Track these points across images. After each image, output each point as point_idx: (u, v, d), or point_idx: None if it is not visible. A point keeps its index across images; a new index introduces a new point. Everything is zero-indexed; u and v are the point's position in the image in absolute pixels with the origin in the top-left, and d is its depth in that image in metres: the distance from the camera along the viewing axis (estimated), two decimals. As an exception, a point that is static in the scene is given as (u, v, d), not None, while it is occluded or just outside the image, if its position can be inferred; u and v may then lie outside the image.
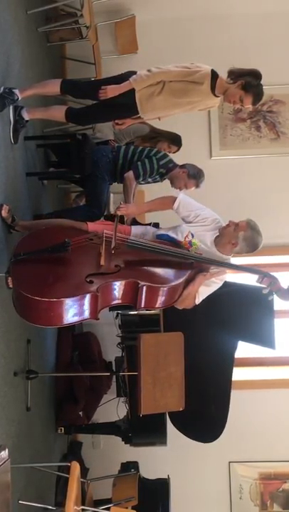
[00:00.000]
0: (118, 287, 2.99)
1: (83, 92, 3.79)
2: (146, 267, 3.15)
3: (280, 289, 3.23)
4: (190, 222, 3.46)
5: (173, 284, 3.11)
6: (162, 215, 3.81)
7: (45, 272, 2.93)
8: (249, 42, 5.79)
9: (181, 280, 3.15)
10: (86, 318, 2.94)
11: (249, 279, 4.28)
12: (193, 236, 3.36)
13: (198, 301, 3.28)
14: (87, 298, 2.84)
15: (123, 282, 2.98)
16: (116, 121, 3.84)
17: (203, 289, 3.28)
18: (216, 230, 3.39)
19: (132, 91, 3.52)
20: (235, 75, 3.45)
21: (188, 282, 3.21)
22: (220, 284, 3.36)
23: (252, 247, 3.31)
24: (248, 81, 3.42)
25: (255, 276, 3.26)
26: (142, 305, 3.07)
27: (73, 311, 2.85)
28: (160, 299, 3.12)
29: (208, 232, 3.40)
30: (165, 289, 3.08)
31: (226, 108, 5.74)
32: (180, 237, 3.39)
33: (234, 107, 3.62)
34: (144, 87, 3.51)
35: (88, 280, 2.89)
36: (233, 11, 5.80)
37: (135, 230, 3.51)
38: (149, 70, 3.52)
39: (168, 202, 3.52)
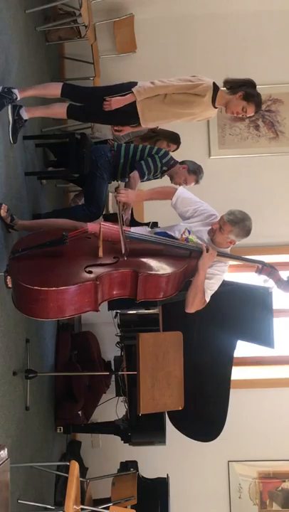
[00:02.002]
0: (117, 277, 3.00)
1: (83, 98, 3.80)
2: (144, 258, 3.17)
3: (280, 280, 3.25)
4: (188, 218, 3.47)
5: (171, 272, 3.12)
6: (161, 213, 3.80)
7: (44, 264, 2.95)
8: (248, 41, 5.79)
9: (180, 269, 3.15)
10: (87, 310, 2.94)
11: (248, 279, 4.29)
12: (190, 233, 3.38)
13: (207, 297, 3.29)
14: (87, 287, 2.85)
15: (122, 272, 2.99)
16: (115, 128, 3.89)
17: (208, 284, 3.27)
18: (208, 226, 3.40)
19: (134, 101, 3.56)
20: (230, 84, 3.54)
21: (188, 276, 3.21)
22: (222, 275, 3.36)
23: (246, 235, 3.33)
24: (248, 91, 3.50)
25: (254, 267, 3.28)
26: (142, 296, 3.08)
27: (73, 301, 2.85)
28: (159, 289, 3.13)
29: (204, 227, 3.42)
30: (164, 278, 3.09)
31: (225, 107, 5.75)
32: (177, 235, 3.42)
33: (236, 116, 3.67)
34: (146, 97, 3.55)
35: (87, 270, 2.90)
36: (232, 10, 5.81)
37: (134, 230, 3.52)
38: (152, 83, 3.57)
39: (168, 192, 3.54)
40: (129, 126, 3.85)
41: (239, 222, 3.27)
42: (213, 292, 3.32)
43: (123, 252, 2.98)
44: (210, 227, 3.39)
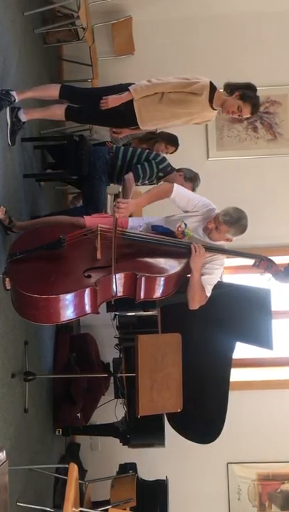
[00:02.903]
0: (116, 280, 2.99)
1: (82, 99, 3.80)
2: (143, 258, 3.16)
3: (278, 272, 3.24)
4: (187, 212, 3.46)
5: (170, 273, 3.11)
6: (160, 208, 3.75)
7: (43, 269, 2.93)
8: (246, 43, 5.80)
9: (178, 269, 3.15)
10: (87, 313, 2.94)
11: (248, 280, 4.29)
12: (186, 226, 3.37)
13: (208, 292, 3.28)
14: (87, 292, 2.85)
15: (121, 275, 2.98)
16: (113, 130, 3.88)
17: (208, 279, 3.27)
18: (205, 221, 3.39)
19: (131, 100, 3.55)
20: (230, 87, 3.54)
21: (187, 272, 3.21)
22: (221, 268, 3.36)
23: (243, 232, 3.32)
24: (245, 92, 3.50)
25: (252, 261, 3.28)
26: (142, 296, 3.08)
27: (73, 306, 2.85)
28: (159, 289, 3.12)
29: (200, 222, 3.41)
30: (163, 278, 3.08)
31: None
32: (173, 228, 3.41)
33: (232, 117, 3.67)
34: (143, 96, 3.54)
35: (86, 275, 2.89)
36: (231, 11, 5.81)
37: (132, 222, 3.51)
38: (149, 81, 3.56)
39: (166, 190, 3.43)
40: (127, 129, 3.85)
41: (235, 223, 3.26)
42: (213, 285, 3.31)
43: (112, 303, 2.97)
44: (204, 222, 3.37)
